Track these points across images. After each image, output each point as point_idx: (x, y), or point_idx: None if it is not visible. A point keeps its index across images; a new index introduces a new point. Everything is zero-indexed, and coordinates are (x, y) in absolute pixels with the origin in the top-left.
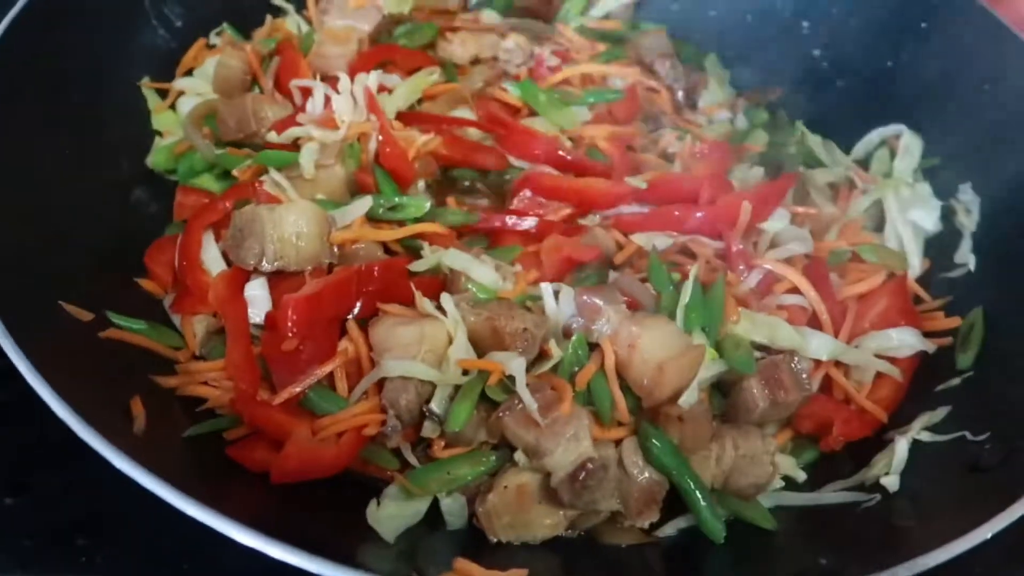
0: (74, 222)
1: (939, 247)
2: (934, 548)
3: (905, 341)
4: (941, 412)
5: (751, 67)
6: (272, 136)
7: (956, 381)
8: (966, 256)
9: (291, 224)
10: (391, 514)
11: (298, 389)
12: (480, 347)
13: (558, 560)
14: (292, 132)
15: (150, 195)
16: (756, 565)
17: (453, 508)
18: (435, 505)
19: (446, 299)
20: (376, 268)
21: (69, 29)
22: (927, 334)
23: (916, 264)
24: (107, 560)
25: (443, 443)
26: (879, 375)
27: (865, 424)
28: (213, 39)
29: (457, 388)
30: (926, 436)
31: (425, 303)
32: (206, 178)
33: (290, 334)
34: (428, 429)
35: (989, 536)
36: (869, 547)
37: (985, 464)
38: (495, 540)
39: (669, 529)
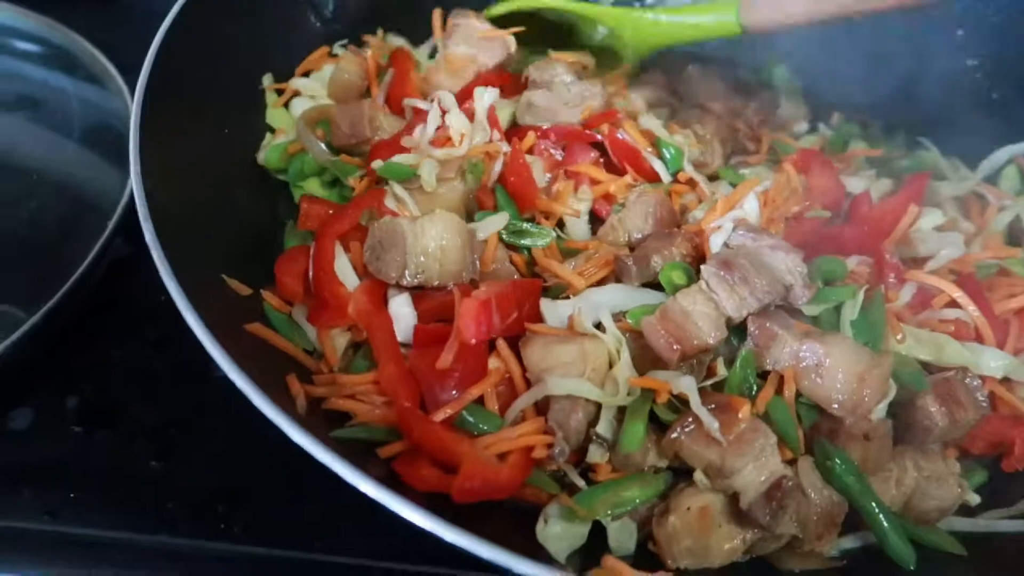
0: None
1: None
2: None
3: None
4: None
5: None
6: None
7: None
8: None
9: (434, 237)
10: (557, 534)
11: (452, 410)
12: (639, 368)
13: None
14: (408, 158)
15: (251, 195)
16: None
17: (622, 534)
18: (596, 529)
19: (606, 316)
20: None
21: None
22: None
23: None
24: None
25: (609, 468)
26: None
27: None
28: (337, 49)
29: (621, 410)
30: None
31: (584, 320)
32: (313, 182)
33: (473, 340)
34: (596, 454)
35: None
36: None
37: None
38: (673, 566)
39: (833, 551)
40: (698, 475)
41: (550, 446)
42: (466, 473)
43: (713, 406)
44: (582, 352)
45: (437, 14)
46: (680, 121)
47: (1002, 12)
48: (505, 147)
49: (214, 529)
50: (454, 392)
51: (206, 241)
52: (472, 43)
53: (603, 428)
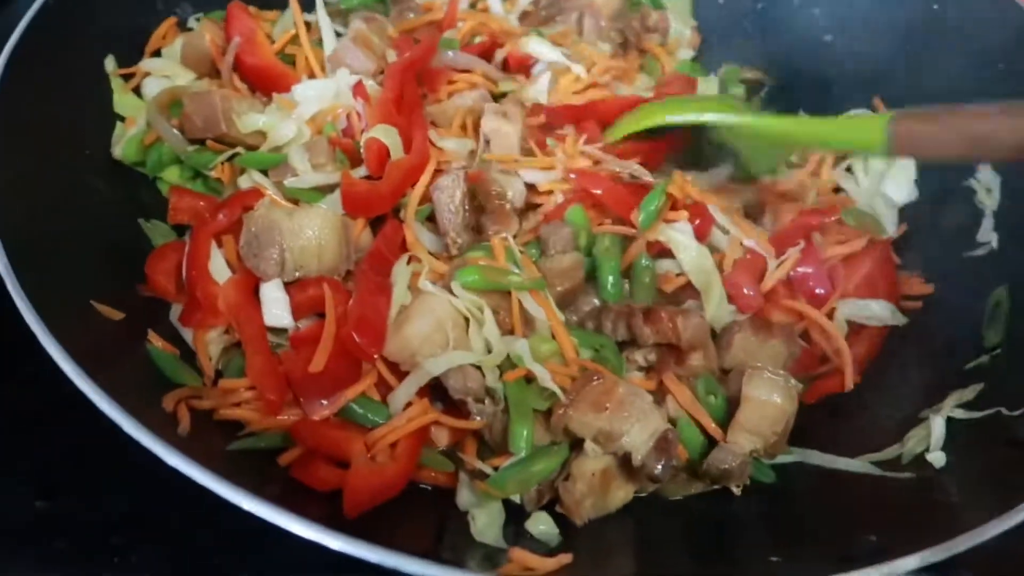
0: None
1: (959, 228)
2: (984, 523)
3: (878, 313)
4: (973, 389)
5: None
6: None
7: (985, 359)
8: (988, 235)
9: (312, 234)
10: (486, 523)
11: (329, 411)
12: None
13: (631, 522)
14: (251, 121)
15: (111, 186)
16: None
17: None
18: None
19: (456, 287)
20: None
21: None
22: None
23: (891, 229)
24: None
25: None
26: (852, 335)
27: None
28: (192, 23)
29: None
30: (960, 413)
31: (426, 284)
32: (174, 171)
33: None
34: (487, 411)
35: None
36: (915, 523)
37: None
38: (580, 523)
39: None
40: (588, 444)
41: (465, 415)
42: (351, 487)
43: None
44: (436, 322)
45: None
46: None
47: None
48: (359, 106)
49: (108, 564)
50: (329, 393)
51: (67, 258)
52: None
53: (491, 381)
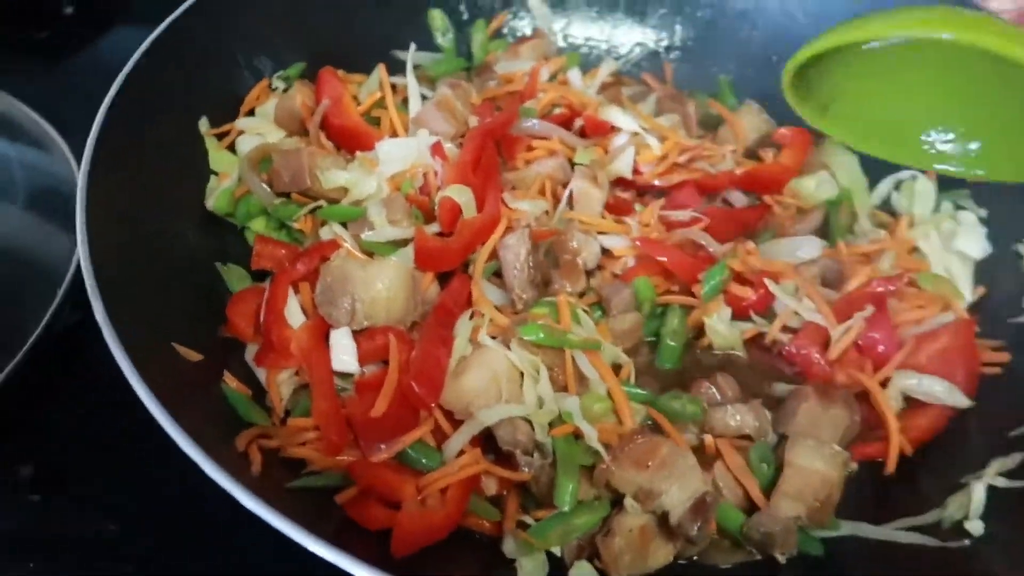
0: (161, 270)
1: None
2: None
3: (934, 391)
4: (1016, 458)
5: None
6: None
7: None
8: None
9: (383, 286)
10: (532, 571)
11: (387, 454)
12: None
13: None
14: (334, 177)
15: (202, 235)
16: None
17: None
18: None
19: (514, 343)
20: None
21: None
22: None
23: (967, 293)
24: None
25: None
26: (915, 408)
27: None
28: (276, 82)
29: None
30: (1001, 482)
31: (485, 338)
32: (260, 221)
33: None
34: (534, 464)
35: None
36: None
37: None
38: None
39: None
40: (628, 500)
41: (508, 464)
42: (400, 527)
43: (640, 437)
44: (491, 375)
45: (382, 68)
46: None
47: None
48: (438, 166)
49: None
50: (388, 438)
51: (156, 305)
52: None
53: (540, 436)
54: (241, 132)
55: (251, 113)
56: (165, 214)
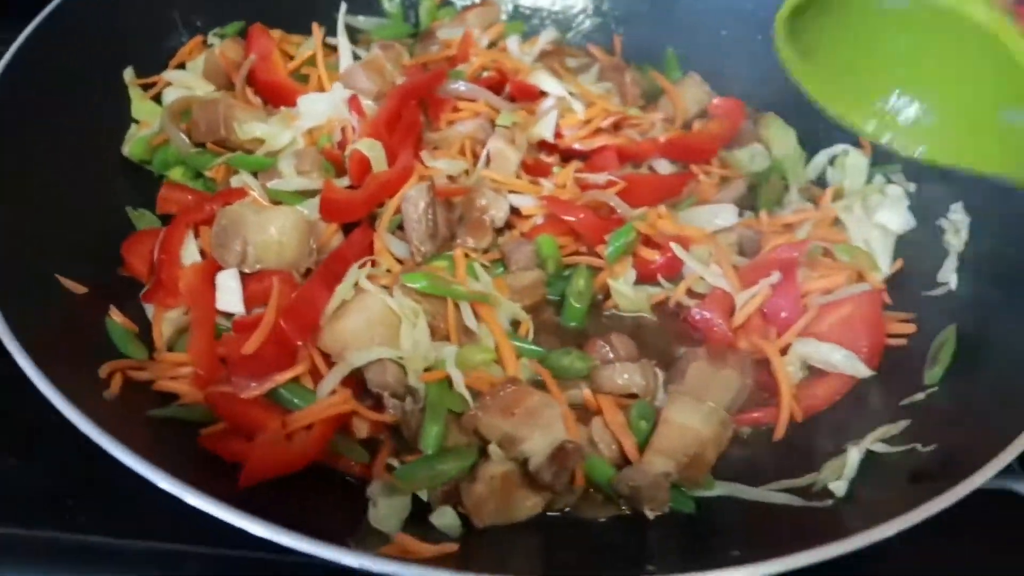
0: (64, 209)
1: (924, 267)
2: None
3: (832, 360)
4: (900, 425)
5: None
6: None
7: (920, 396)
8: (948, 275)
9: (276, 228)
10: (387, 513)
11: (256, 392)
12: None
13: (540, 536)
14: (250, 128)
15: (130, 185)
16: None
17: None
18: None
19: (397, 289)
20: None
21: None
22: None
23: (885, 266)
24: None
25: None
26: (816, 378)
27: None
28: (212, 39)
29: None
30: (880, 447)
31: (365, 282)
32: (179, 171)
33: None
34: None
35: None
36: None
37: (925, 473)
38: (480, 525)
39: None
40: (492, 447)
41: (381, 408)
42: (252, 457)
43: (511, 386)
44: (367, 319)
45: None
46: None
47: None
48: (355, 121)
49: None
50: (261, 376)
51: (48, 243)
52: None
53: (413, 381)
54: (168, 84)
55: (182, 67)
56: (77, 155)
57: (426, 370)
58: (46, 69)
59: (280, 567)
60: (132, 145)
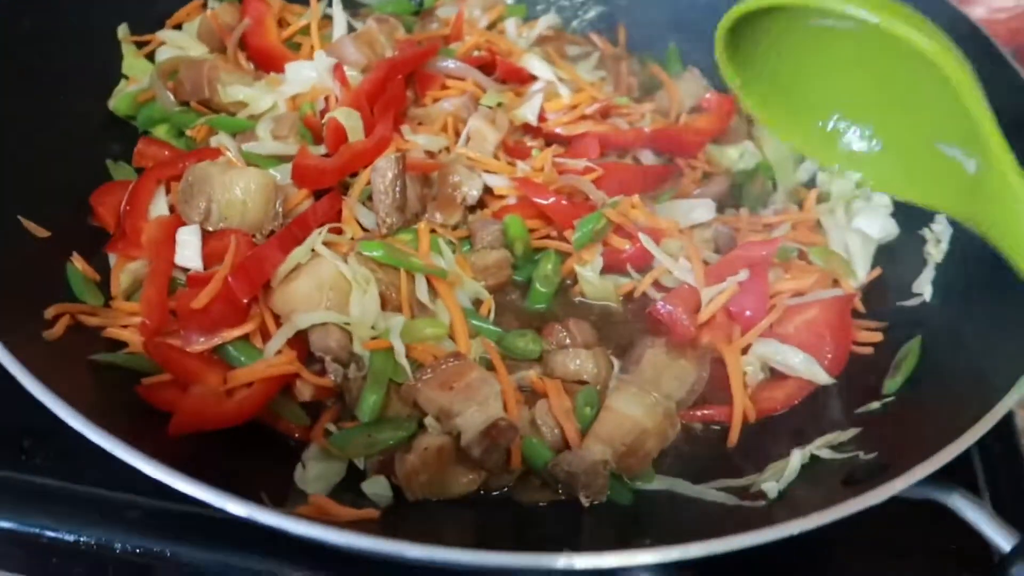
0: (43, 154)
1: (901, 276)
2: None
3: (790, 362)
4: (850, 432)
5: None
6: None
7: (876, 405)
8: (924, 286)
9: (240, 188)
10: (316, 475)
11: (202, 347)
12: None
13: (472, 515)
14: (234, 91)
15: (113, 139)
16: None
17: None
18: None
19: (352, 255)
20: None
21: None
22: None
23: (861, 273)
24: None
25: None
26: (776, 379)
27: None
28: (212, 3)
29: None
30: (826, 453)
31: (320, 247)
32: (163, 129)
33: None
34: (351, 373)
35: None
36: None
37: (857, 479)
38: (412, 498)
39: None
40: (428, 420)
41: (319, 374)
42: (181, 407)
43: (453, 360)
44: (318, 282)
45: None
46: None
47: None
48: (337, 90)
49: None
50: (210, 332)
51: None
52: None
53: (358, 349)
54: (162, 43)
55: (179, 28)
56: (63, 103)
57: (373, 340)
58: (42, 13)
59: (219, 522)
60: (118, 100)
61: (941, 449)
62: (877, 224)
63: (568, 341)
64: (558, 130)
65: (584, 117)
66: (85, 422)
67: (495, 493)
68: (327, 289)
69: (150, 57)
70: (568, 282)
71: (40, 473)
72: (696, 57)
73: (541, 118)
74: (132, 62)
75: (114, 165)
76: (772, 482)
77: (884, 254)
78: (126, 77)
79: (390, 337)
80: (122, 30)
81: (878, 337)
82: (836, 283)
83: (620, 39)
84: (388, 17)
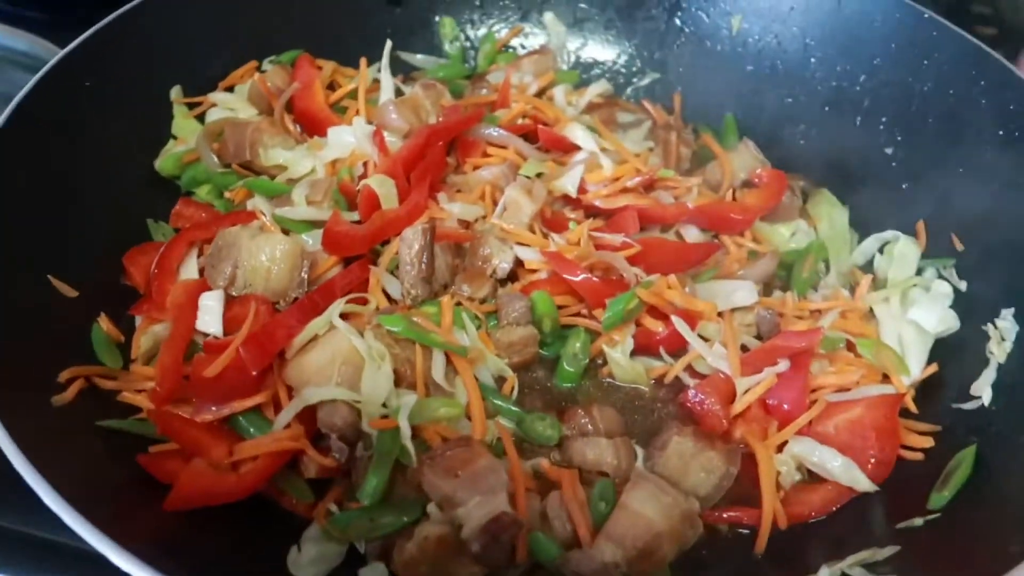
0: (86, 212)
1: (959, 375)
2: None
3: (829, 465)
4: (888, 550)
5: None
6: (264, 162)
7: (919, 521)
8: (983, 388)
9: (267, 254)
10: (312, 559)
11: (211, 416)
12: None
13: None
14: (275, 154)
15: (159, 199)
16: None
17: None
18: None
19: (368, 330)
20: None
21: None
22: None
23: (915, 370)
24: None
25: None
26: (815, 481)
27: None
28: (266, 65)
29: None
30: (858, 573)
31: (336, 320)
32: (205, 189)
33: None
34: (358, 452)
35: None
36: None
37: None
38: None
39: None
40: (431, 507)
41: (326, 450)
42: (180, 480)
43: (462, 445)
44: (332, 356)
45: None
46: None
47: None
48: (376, 156)
49: None
50: (222, 401)
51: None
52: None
53: (365, 426)
54: (213, 105)
55: (231, 90)
56: (111, 163)
57: (382, 418)
58: (102, 73)
59: None
60: (164, 160)
61: None
62: (935, 316)
63: (590, 428)
64: (597, 203)
65: (626, 190)
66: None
67: None
68: (339, 363)
69: (201, 119)
70: (599, 361)
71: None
72: (753, 128)
73: (581, 190)
74: (181, 123)
75: (155, 225)
76: None
77: (942, 350)
78: (175, 137)
79: (398, 416)
80: (175, 91)
81: (929, 442)
82: (886, 379)
83: (675, 107)
84: (435, 83)
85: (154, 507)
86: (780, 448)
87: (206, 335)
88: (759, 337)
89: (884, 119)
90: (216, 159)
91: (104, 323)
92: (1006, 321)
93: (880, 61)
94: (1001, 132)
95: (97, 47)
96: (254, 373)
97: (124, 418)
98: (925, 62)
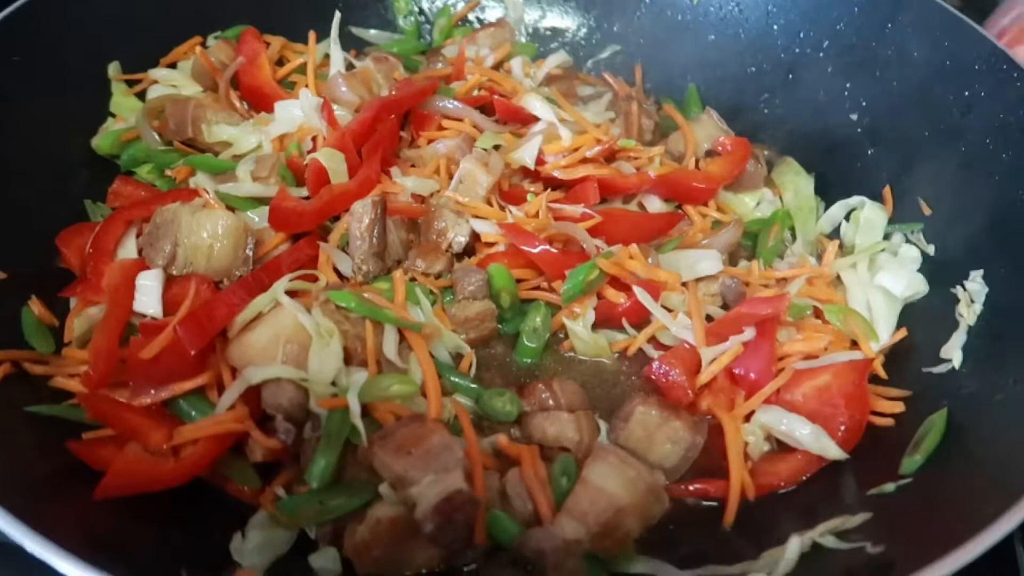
0: (18, 193)
1: (928, 339)
2: None
3: (797, 434)
4: (859, 518)
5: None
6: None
7: (890, 487)
8: (953, 352)
9: (208, 231)
10: (257, 545)
11: (150, 399)
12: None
13: None
14: (219, 131)
15: (97, 179)
16: None
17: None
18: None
19: (316, 311)
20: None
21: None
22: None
23: (884, 335)
24: None
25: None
26: (784, 451)
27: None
28: (211, 41)
29: None
30: (830, 541)
31: (282, 296)
32: (146, 169)
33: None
34: (307, 433)
35: None
36: None
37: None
38: (363, 573)
39: None
40: (383, 487)
41: (273, 432)
42: (113, 469)
43: (418, 422)
44: (276, 333)
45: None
46: None
47: None
48: (325, 130)
49: None
50: (160, 384)
51: None
52: None
53: (313, 406)
54: (154, 82)
55: (173, 67)
56: (45, 142)
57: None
58: (27, 50)
59: None
60: (102, 138)
61: (958, 547)
62: (903, 281)
63: (551, 402)
64: (556, 174)
65: (585, 160)
66: None
67: (465, 569)
68: (284, 341)
69: (141, 96)
70: (560, 335)
71: None
72: (718, 99)
73: (540, 161)
74: (120, 100)
75: (93, 206)
76: (764, 574)
77: (910, 314)
78: (113, 116)
79: (348, 395)
80: (113, 68)
81: (900, 408)
82: (854, 345)
83: (637, 79)
84: (388, 56)
85: (85, 497)
86: (747, 418)
87: (144, 317)
88: (725, 307)
89: (848, 85)
90: (157, 137)
91: (35, 306)
92: (975, 283)
93: (843, 26)
94: (967, 93)
95: (25, 21)
96: (192, 353)
97: (56, 404)
98: (889, 25)
